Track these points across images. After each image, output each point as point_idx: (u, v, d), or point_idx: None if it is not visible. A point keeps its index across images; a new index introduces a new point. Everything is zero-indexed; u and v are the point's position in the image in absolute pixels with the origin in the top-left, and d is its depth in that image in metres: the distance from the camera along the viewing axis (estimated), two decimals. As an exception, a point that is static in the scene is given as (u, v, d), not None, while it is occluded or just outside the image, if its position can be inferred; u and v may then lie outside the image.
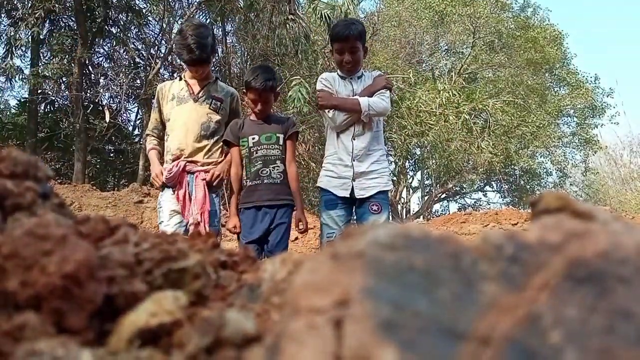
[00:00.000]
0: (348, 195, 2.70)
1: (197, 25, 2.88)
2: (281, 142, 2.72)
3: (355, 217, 2.81)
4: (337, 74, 2.88)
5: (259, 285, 0.46)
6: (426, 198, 19.13)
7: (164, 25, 11.39)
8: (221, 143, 2.87)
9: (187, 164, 2.75)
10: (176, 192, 2.75)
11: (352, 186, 2.70)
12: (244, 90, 2.80)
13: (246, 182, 2.71)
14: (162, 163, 2.88)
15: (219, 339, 0.33)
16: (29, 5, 10.11)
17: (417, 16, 15.46)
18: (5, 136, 12.40)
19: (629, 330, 0.24)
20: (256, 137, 2.70)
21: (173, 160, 2.77)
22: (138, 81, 11.44)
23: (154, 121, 2.94)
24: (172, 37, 9.48)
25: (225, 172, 2.80)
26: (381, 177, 2.74)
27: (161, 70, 11.28)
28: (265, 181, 2.66)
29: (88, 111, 11.63)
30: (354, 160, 2.71)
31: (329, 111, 2.73)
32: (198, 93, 2.83)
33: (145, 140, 3.10)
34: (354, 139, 2.74)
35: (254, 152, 2.69)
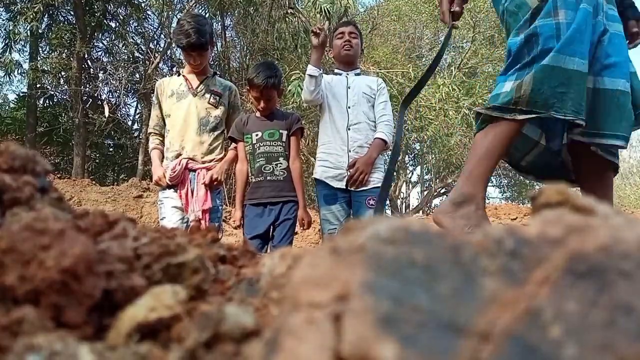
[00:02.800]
0: (344, 187, 2.70)
1: (194, 14, 2.90)
2: (284, 138, 2.71)
3: (351, 211, 2.81)
4: (334, 71, 2.95)
5: (258, 280, 0.46)
6: (426, 193, 19.14)
7: (163, 19, 11.36)
8: (222, 139, 2.87)
9: (189, 161, 2.75)
10: (179, 191, 2.75)
11: (348, 177, 2.70)
12: (248, 87, 2.80)
13: (251, 178, 2.72)
14: (162, 160, 2.89)
15: (218, 333, 0.33)
16: (28, -1, 10.07)
17: (417, 10, 15.41)
18: (4, 131, 12.41)
19: (630, 325, 0.24)
20: (259, 134, 2.70)
21: (175, 158, 2.77)
22: (137, 75, 11.42)
23: (155, 118, 2.93)
24: (171, 31, 9.47)
25: (224, 173, 2.81)
26: (378, 173, 2.74)
27: (160, 65, 11.27)
28: (268, 178, 2.66)
29: (87, 106, 11.62)
30: (350, 151, 2.71)
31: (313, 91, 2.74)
32: (197, 88, 2.83)
33: (148, 139, 3.10)
34: (349, 130, 2.74)
35: (257, 149, 2.68)
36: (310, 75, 2.71)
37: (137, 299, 0.38)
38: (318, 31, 2.68)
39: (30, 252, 0.35)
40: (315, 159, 3.01)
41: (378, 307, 0.26)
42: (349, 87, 2.82)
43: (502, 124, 1.64)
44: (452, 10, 2.01)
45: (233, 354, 0.32)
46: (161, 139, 2.92)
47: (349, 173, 2.69)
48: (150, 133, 2.97)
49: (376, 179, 2.72)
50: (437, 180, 18.56)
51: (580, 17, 1.60)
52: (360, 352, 0.25)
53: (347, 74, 2.87)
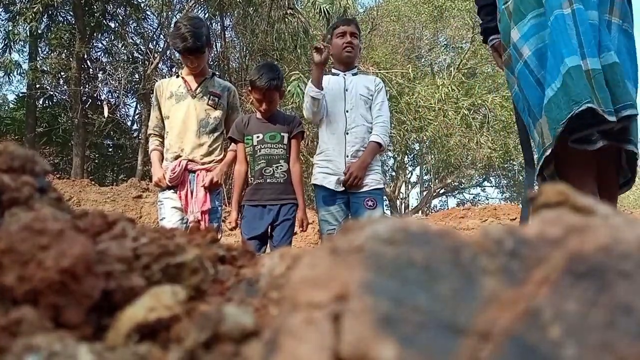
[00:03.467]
0: (343, 189, 2.71)
1: (191, 17, 2.90)
2: (285, 141, 2.71)
3: (350, 212, 2.82)
4: (331, 72, 2.93)
5: (257, 280, 0.46)
6: (425, 193, 19.15)
7: (163, 20, 11.36)
8: (221, 140, 2.87)
9: (189, 162, 2.75)
10: (178, 192, 2.76)
11: (342, 180, 2.72)
12: (249, 89, 2.80)
13: (251, 180, 2.71)
14: (162, 162, 2.89)
15: (217, 333, 0.33)
16: (27, -1, 10.06)
17: (417, 11, 15.41)
18: (4, 131, 12.40)
19: (629, 325, 0.24)
20: (260, 136, 2.69)
21: (174, 159, 2.77)
22: (136, 76, 11.42)
23: (154, 119, 2.93)
24: (169, 33, 9.47)
25: (223, 175, 2.81)
26: (374, 174, 2.74)
27: (159, 65, 11.26)
28: (268, 180, 2.65)
29: (86, 106, 11.62)
30: (347, 156, 2.72)
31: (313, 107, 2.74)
32: (196, 89, 2.83)
33: (147, 140, 3.10)
34: (347, 134, 2.75)
35: (258, 151, 2.68)
36: (313, 98, 2.70)
37: (137, 299, 0.38)
38: (322, 47, 2.64)
39: (29, 253, 0.35)
40: (314, 160, 3.00)
41: (377, 307, 0.26)
42: (346, 90, 2.81)
43: (563, 167, 1.69)
44: (504, 59, 2.07)
45: (232, 355, 0.32)
46: (161, 140, 2.92)
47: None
48: (150, 134, 2.97)
49: (373, 180, 2.73)
50: (437, 180, 18.57)
51: (547, 34, 1.64)
52: (360, 353, 0.25)
53: (345, 75, 2.86)
